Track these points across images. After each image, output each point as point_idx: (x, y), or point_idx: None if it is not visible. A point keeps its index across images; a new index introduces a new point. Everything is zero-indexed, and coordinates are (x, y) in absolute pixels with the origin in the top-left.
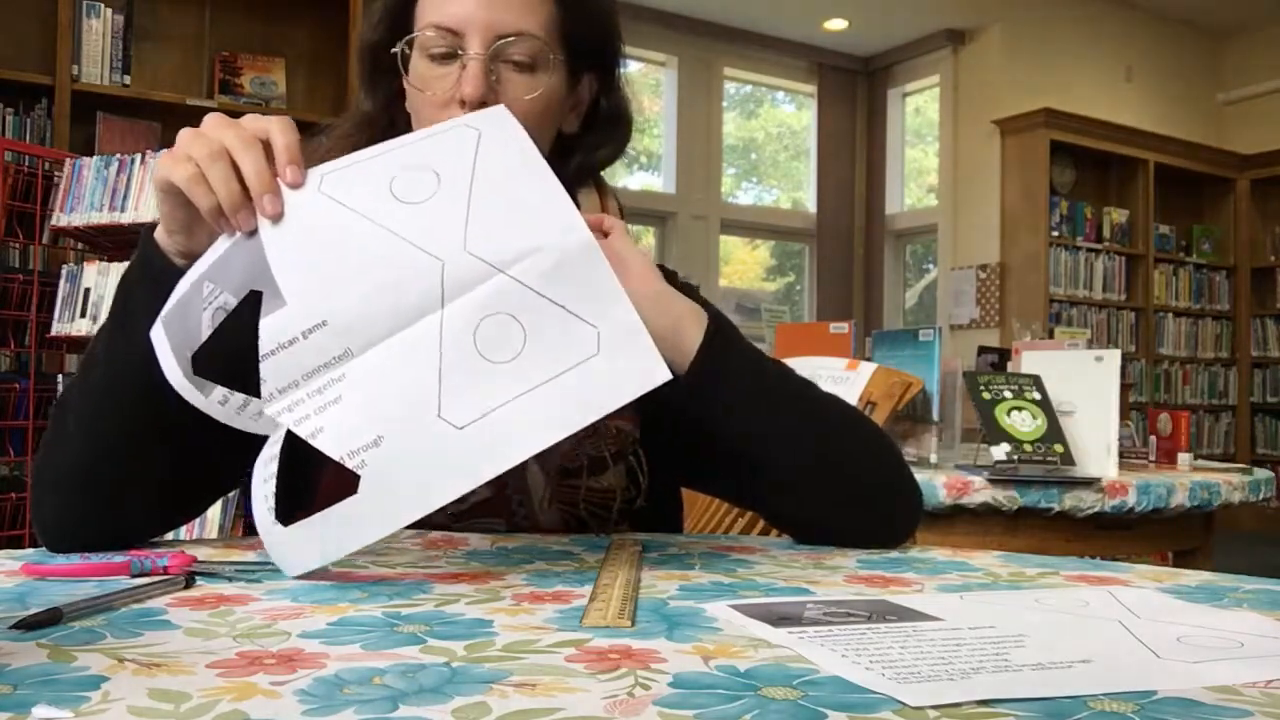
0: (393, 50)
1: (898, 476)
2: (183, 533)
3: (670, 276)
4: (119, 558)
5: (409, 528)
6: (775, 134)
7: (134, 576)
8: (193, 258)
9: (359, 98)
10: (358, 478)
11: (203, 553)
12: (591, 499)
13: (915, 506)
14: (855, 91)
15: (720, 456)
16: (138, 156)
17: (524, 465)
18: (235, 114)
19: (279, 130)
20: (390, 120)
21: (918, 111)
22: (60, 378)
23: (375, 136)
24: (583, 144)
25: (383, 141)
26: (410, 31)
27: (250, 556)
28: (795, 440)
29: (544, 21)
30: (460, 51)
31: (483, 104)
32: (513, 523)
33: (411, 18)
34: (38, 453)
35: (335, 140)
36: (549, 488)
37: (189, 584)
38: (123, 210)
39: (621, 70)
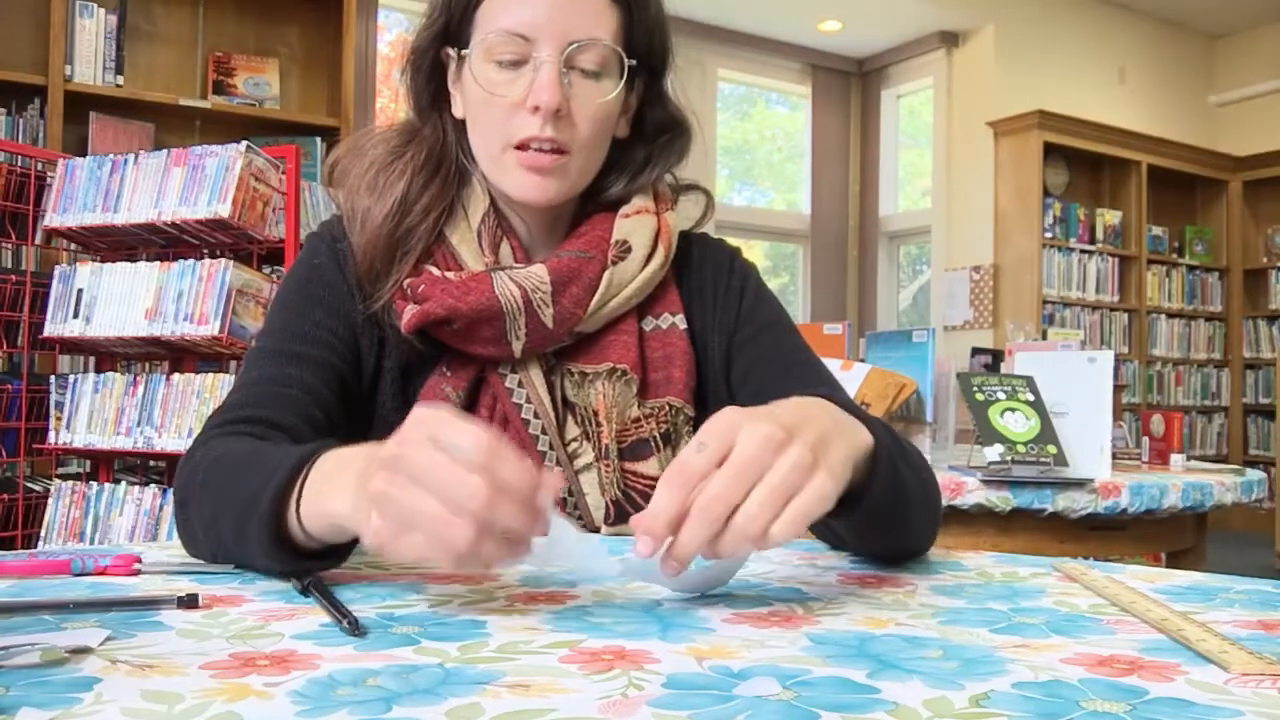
0: (461, 53)
1: (940, 501)
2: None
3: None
4: (61, 556)
5: None
6: (769, 135)
7: (75, 575)
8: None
9: (404, 108)
10: None
11: (150, 554)
12: (635, 484)
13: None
14: (849, 93)
15: None
16: (131, 157)
17: (579, 465)
18: (228, 115)
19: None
20: (440, 133)
21: (912, 113)
22: (53, 379)
23: (429, 153)
24: (650, 153)
25: (438, 156)
26: (467, 38)
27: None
28: (920, 501)
29: (613, 29)
30: (530, 57)
31: (556, 112)
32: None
33: (471, 23)
34: (188, 492)
35: (385, 154)
36: (610, 474)
37: (194, 604)
38: (116, 211)
39: (670, 77)
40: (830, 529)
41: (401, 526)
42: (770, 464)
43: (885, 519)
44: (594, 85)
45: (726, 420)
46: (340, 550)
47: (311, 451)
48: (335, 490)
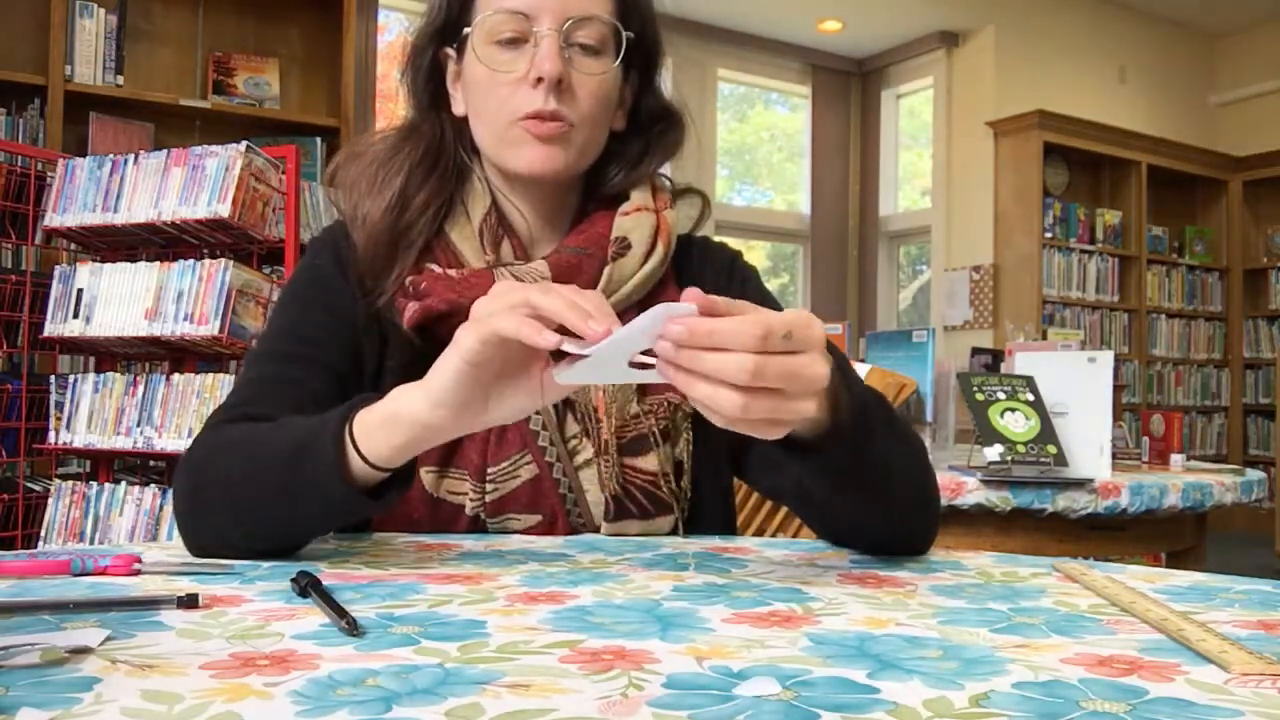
0: (463, 34)
1: (938, 498)
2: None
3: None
4: (61, 556)
5: (406, 531)
6: (769, 136)
7: (75, 575)
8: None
9: (405, 107)
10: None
11: (150, 554)
12: (635, 479)
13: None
14: (849, 93)
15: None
16: (130, 157)
17: (579, 450)
18: (228, 115)
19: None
20: (439, 130)
21: (911, 113)
22: (53, 379)
23: (427, 148)
24: (647, 144)
25: (436, 151)
26: (464, 30)
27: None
28: (907, 470)
29: (609, 9)
30: (530, 35)
31: (559, 82)
32: (558, 511)
33: (470, 13)
34: (201, 475)
35: (383, 151)
36: (609, 470)
37: (194, 604)
38: (116, 211)
39: (661, 75)
40: (815, 505)
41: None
42: (795, 395)
43: (847, 481)
44: (594, 60)
45: (818, 336)
46: (392, 483)
47: (350, 405)
48: (399, 408)
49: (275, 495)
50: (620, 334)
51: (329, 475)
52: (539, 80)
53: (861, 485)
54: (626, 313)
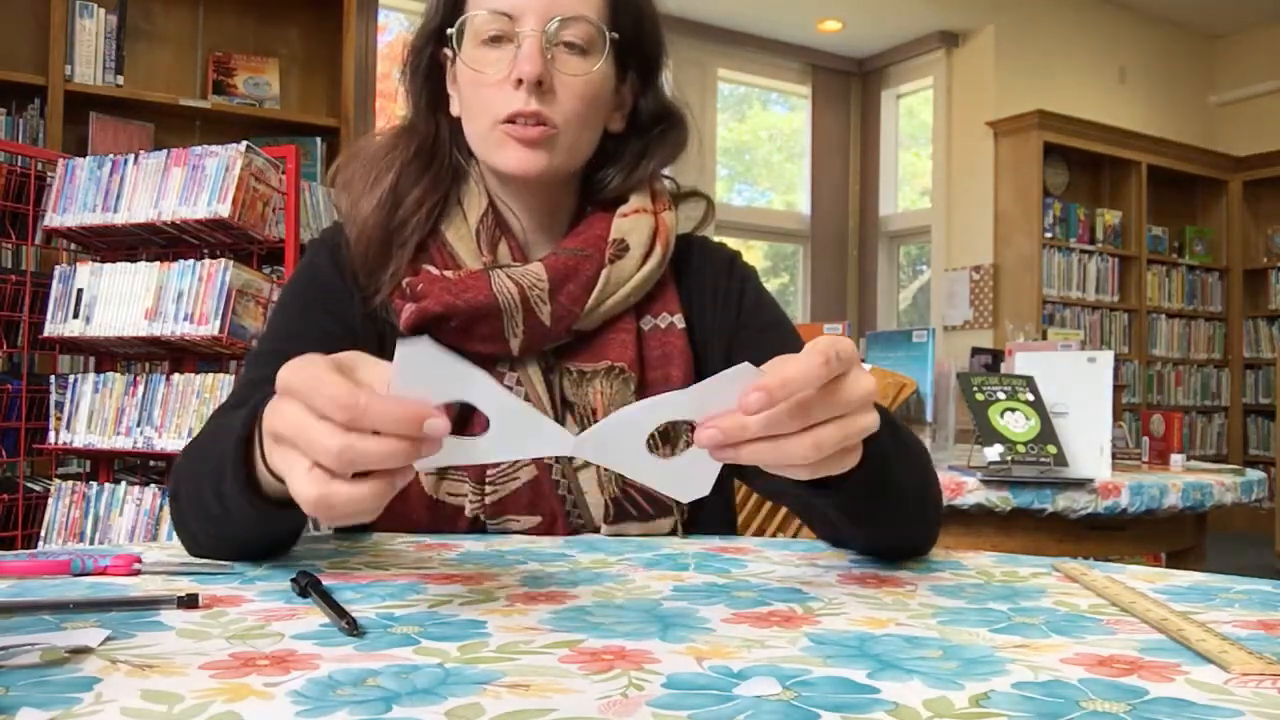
0: (447, 31)
1: (941, 501)
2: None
3: (727, 256)
4: (61, 556)
5: (406, 532)
6: (769, 136)
7: (75, 575)
8: None
9: (404, 107)
10: None
11: (150, 554)
12: (633, 482)
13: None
14: (849, 93)
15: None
16: (131, 157)
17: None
18: (228, 115)
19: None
20: (434, 129)
21: (911, 113)
22: (53, 379)
23: (420, 147)
24: (646, 145)
25: (430, 150)
26: (459, 29)
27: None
28: (918, 488)
29: (597, 9)
30: (514, 35)
31: (539, 83)
32: (558, 513)
33: (462, 13)
34: (181, 484)
35: (378, 150)
36: (608, 472)
37: (194, 604)
38: (116, 211)
39: (664, 75)
40: (826, 519)
41: (290, 479)
42: (854, 412)
43: (867, 511)
44: (579, 60)
45: (851, 350)
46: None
47: (259, 404)
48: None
49: (222, 513)
50: (622, 421)
51: (244, 504)
52: (520, 81)
53: (878, 516)
54: (625, 316)
